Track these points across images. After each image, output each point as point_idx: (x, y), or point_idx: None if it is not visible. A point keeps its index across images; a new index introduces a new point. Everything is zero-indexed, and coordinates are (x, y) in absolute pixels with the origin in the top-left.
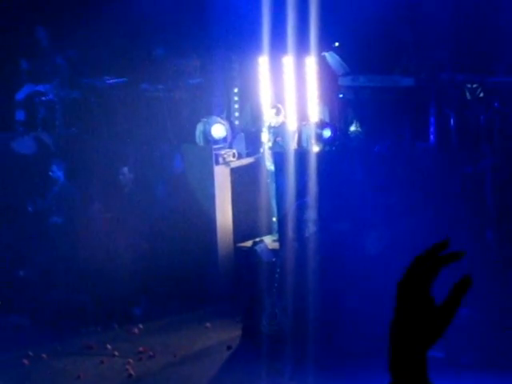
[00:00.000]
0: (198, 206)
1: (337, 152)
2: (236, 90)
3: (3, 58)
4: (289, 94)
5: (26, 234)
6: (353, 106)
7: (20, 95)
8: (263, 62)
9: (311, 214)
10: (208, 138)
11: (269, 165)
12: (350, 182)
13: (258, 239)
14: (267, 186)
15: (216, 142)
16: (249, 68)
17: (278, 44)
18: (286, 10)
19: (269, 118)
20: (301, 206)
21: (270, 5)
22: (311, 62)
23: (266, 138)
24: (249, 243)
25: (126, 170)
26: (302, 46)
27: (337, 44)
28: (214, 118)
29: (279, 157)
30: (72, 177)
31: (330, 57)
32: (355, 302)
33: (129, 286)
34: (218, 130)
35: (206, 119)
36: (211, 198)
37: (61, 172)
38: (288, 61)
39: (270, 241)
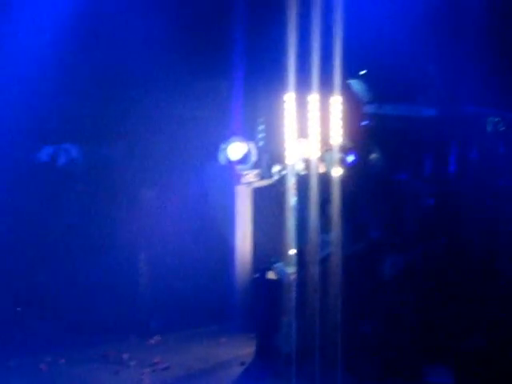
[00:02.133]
0: (218, 224)
1: (357, 177)
2: (261, 128)
3: None
4: (313, 127)
5: (49, 242)
6: (376, 134)
7: None
8: (289, 98)
9: (328, 235)
10: (228, 158)
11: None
12: (369, 207)
13: (275, 259)
14: (290, 208)
15: (235, 162)
16: (274, 104)
17: (303, 81)
18: (312, 45)
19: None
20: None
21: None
22: (336, 101)
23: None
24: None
25: (147, 190)
26: (326, 83)
27: (363, 72)
28: (236, 138)
29: (302, 180)
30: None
31: (356, 84)
32: (370, 327)
33: (147, 299)
34: (236, 150)
35: (229, 139)
36: (231, 216)
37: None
38: (313, 98)
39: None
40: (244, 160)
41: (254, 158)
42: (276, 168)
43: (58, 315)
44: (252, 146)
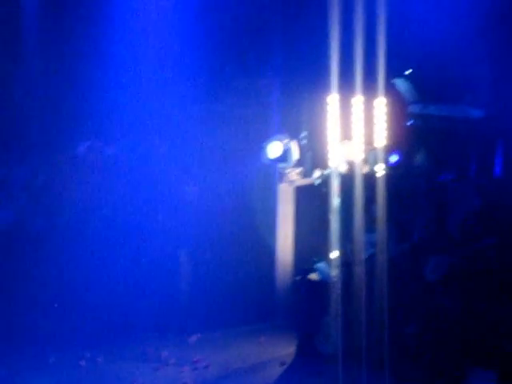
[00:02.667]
0: (260, 223)
1: (402, 178)
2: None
3: None
4: (357, 128)
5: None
6: (420, 134)
7: None
8: (332, 100)
9: (371, 235)
10: (269, 157)
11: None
12: (414, 208)
13: (317, 259)
14: (333, 207)
15: (275, 160)
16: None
17: (346, 83)
18: (355, 46)
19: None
20: (362, 228)
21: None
22: (380, 102)
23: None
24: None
25: (189, 185)
26: (370, 84)
27: (408, 71)
28: (277, 136)
29: (346, 180)
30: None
31: (401, 83)
32: (414, 328)
33: (187, 296)
34: (277, 149)
35: (270, 138)
36: (273, 215)
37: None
38: (357, 100)
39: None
40: (285, 158)
41: (295, 156)
42: (319, 169)
43: (97, 312)
44: (294, 144)
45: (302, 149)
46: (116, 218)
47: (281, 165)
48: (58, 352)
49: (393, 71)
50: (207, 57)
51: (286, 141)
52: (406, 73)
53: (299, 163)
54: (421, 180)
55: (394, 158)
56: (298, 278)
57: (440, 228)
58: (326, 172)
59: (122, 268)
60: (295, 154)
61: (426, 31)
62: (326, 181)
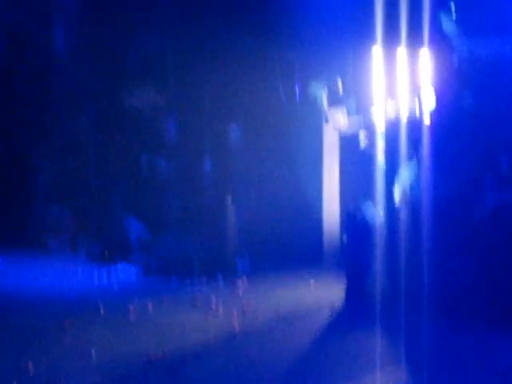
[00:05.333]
0: (306, 164)
1: (449, 122)
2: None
3: None
4: (402, 77)
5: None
6: (468, 72)
7: None
8: (377, 51)
9: (419, 177)
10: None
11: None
12: (458, 148)
13: (364, 201)
14: (379, 150)
15: (321, 103)
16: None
17: (390, 33)
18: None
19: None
20: (409, 169)
21: None
22: (425, 51)
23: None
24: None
25: (235, 127)
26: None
27: (452, 5)
28: (322, 79)
29: (392, 125)
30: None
31: (445, 17)
32: (463, 265)
33: (235, 241)
34: (323, 91)
35: (315, 81)
36: (319, 156)
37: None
38: (402, 51)
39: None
40: (331, 101)
41: (341, 99)
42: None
43: (146, 258)
44: (339, 86)
45: (347, 93)
46: (164, 164)
47: (327, 107)
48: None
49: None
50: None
51: (333, 84)
52: (450, 6)
53: (345, 106)
54: (469, 123)
55: (439, 104)
56: (344, 219)
57: (489, 166)
58: (372, 116)
59: (170, 212)
60: (341, 96)
61: None
62: (372, 124)
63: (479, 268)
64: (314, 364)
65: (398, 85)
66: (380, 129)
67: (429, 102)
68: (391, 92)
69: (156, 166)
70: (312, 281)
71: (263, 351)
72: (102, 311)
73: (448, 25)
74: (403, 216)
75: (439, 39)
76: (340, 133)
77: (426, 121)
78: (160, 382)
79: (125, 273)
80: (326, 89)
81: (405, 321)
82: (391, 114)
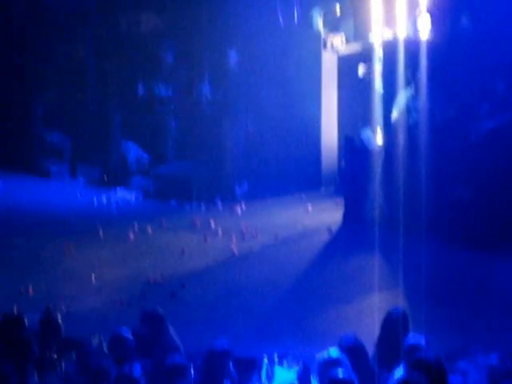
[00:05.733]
0: (304, 90)
1: (447, 44)
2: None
3: None
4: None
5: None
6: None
7: None
8: None
9: (416, 102)
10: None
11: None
12: (455, 73)
13: (362, 126)
14: (376, 75)
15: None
16: None
17: None
18: None
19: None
20: (407, 94)
21: None
22: None
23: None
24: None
25: (234, 53)
26: None
27: None
28: (321, 3)
29: (388, 44)
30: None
31: None
32: (460, 188)
33: (234, 166)
34: (321, 15)
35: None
36: (317, 81)
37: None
38: None
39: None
40: (330, 26)
41: (339, 24)
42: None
43: (145, 183)
44: (337, 11)
45: (344, 15)
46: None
47: (325, 32)
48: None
49: None
50: None
51: (329, 9)
52: None
53: (343, 30)
54: (467, 45)
55: (437, 24)
56: (343, 145)
57: (486, 91)
58: (370, 39)
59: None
60: (338, 18)
61: None
62: (369, 48)
63: (476, 191)
64: (311, 285)
65: (395, 9)
66: (378, 54)
67: (426, 27)
68: (389, 17)
69: (155, 90)
70: (310, 205)
71: (262, 273)
72: (101, 234)
73: None
74: (401, 141)
75: None
76: (338, 58)
77: (424, 46)
78: (159, 305)
79: (124, 197)
80: (324, 14)
81: (402, 244)
82: (389, 39)
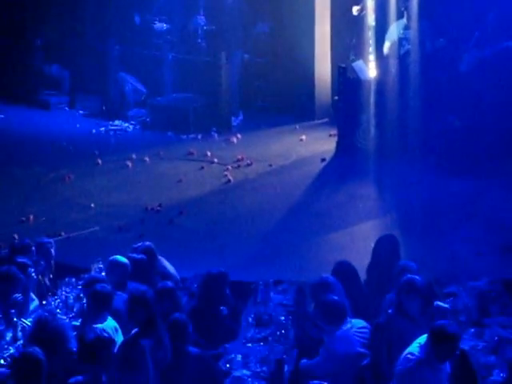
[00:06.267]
0: (297, 20)
1: None
2: None
3: None
4: None
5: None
6: None
7: None
8: None
9: (407, 32)
10: None
11: None
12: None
13: (354, 58)
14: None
15: None
16: None
17: None
18: None
19: None
20: (398, 26)
21: None
22: None
23: None
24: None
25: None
26: None
27: None
28: None
29: None
30: None
31: None
32: (450, 119)
33: (229, 98)
34: None
35: None
36: (311, 10)
37: None
38: None
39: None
40: None
41: None
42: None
43: (143, 114)
44: None
45: None
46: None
47: None
48: (106, 155)
49: None
50: None
51: None
52: None
53: None
54: None
55: None
56: (336, 76)
57: (475, 21)
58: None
59: None
60: None
61: None
62: None
63: (466, 119)
64: (305, 211)
65: None
66: None
67: None
68: None
69: (152, 23)
70: (304, 135)
71: (257, 199)
72: (99, 163)
73: None
74: (392, 71)
75: None
76: None
77: None
78: (156, 231)
79: (122, 128)
80: None
81: (394, 172)
82: None
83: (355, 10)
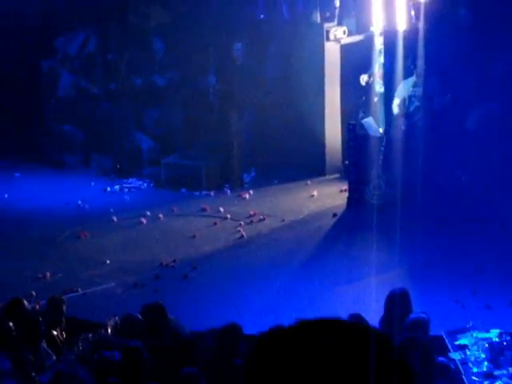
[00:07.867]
0: (308, 80)
1: (445, 30)
2: None
3: None
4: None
5: None
6: None
7: None
8: None
9: (417, 90)
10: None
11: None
12: (455, 59)
13: (364, 115)
14: (377, 63)
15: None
16: None
17: None
18: None
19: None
20: (407, 83)
21: None
22: None
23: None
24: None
25: (239, 45)
26: None
27: None
28: None
29: (389, 35)
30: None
31: None
32: (458, 175)
33: (241, 155)
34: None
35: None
36: (321, 71)
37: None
38: None
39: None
40: (330, 17)
41: (341, 16)
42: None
43: (157, 171)
44: (338, 3)
45: (346, 6)
46: None
47: (326, 23)
48: (120, 213)
49: None
50: None
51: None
52: None
53: (344, 22)
54: (464, 33)
55: (434, 14)
56: (346, 133)
57: (482, 79)
58: (370, 28)
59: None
60: (338, 9)
61: None
62: (370, 37)
63: (473, 175)
64: (318, 265)
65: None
66: (379, 45)
67: (425, 18)
68: (389, 9)
69: (157, 82)
70: (315, 191)
71: (270, 254)
72: (114, 220)
73: None
74: (402, 128)
75: None
76: (341, 47)
77: (423, 38)
78: (171, 287)
79: (136, 186)
80: (327, 12)
81: (403, 227)
82: (390, 31)
83: (363, 80)
